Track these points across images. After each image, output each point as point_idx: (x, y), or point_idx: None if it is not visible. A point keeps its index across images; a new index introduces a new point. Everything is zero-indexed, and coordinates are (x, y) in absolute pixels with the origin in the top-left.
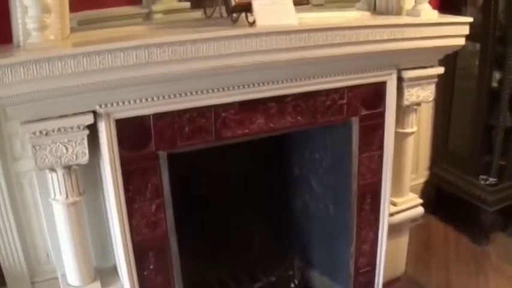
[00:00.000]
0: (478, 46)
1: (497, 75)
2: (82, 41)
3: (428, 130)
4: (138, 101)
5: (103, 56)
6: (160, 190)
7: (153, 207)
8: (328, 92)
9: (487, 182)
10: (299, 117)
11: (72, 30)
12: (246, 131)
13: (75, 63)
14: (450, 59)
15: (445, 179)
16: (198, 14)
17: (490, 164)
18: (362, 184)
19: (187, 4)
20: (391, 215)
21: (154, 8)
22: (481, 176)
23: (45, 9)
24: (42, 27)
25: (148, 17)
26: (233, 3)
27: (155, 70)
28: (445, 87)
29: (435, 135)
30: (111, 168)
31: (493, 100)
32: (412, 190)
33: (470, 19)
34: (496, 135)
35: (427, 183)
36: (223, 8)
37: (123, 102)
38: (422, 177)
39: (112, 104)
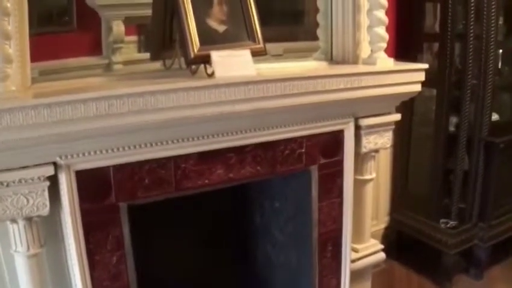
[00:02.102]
0: (434, 91)
1: (454, 119)
2: (43, 91)
3: (388, 176)
4: (98, 152)
5: (63, 108)
6: (121, 242)
7: (114, 259)
8: (286, 142)
9: (448, 225)
10: (258, 167)
11: (34, 80)
12: (206, 181)
13: (35, 114)
14: (407, 105)
15: (406, 224)
16: (158, 65)
17: (449, 208)
18: (323, 232)
19: (147, 55)
20: (353, 261)
21: (114, 58)
22: (441, 220)
23: (7, 60)
24: (4, 77)
25: (108, 67)
26: (192, 55)
27: (115, 121)
28: (403, 133)
29: (394, 181)
30: (72, 219)
31: (451, 144)
32: (373, 236)
33: (426, 65)
34: (454, 178)
35: (387, 229)
36: (182, 60)
37: (83, 154)
38: (382, 222)
39: (72, 156)
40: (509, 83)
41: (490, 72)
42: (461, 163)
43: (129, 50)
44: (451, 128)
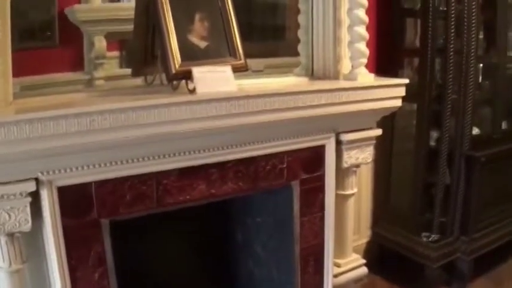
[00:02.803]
0: (415, 106)
1: (434, 134)
2: (25, 107)
3: (369, 190)
4: (80, 168)
5: (45, 123)
6: (103, 258)
7: (96, 275)
8: (268, 157)
9: (430, 239)
10: (240, 183)
11: (15, 95)
12: (188, 197)
13: (17, 129)
14: (388, 120)
15: (388, 238)
16: (139, 81)
17: (431, 221)
18: (305, 247)
19: (129, 71)
20: (335, 276)
21: (96, 74)
22: (423, 233)
23: None
24: None
25: (89, 83)
26: (173, 70)
27: (97, 137)
28: (384, 148)
29: (376, 195)
30: (54, 236)
31: (432, 158)
32: (355, 250)
33: (406, 81)
34: (436, 192)
35: (369, 243)
36: (164, 76)
37: (65, 170)
38: (364, 237)
39: (54, 171)
40: (489, 97)
41: (471, 87)
42: (443, 177)
43: (111, 65)
44: (432, 143)
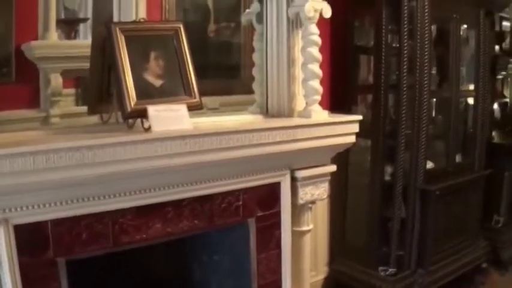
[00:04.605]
0: (369, 142)
1: (389, 168)
2: None
3: (325, 226)
4: (36, 206)
5: (1, 161)
6: None
7: None
8: (224, 195)
9: (387, 273)
10: (196, 221)
11: None
12: (144, 236)
13: None
14: (342, 155)
15: (345, 273)
16: (95, 118)
17: (388, 255)
18: (262, 284)
19: (85, 108)
20: None
21: (52, 111)
22: (381, 267)
23: None
24: None
25: (45, 121)
26: (129, 109)
27: (52, 175)
28: (339, 184)
29: (332, 231)
30: (11, 274)
31: (387, 193)
32: (313, 287)
33: (360, 117)
34: (392, 226)
35: (327, 279)
36: (119, 114)
37: (21, 208)
38: (322, 273)
39: (10, 209)
40: (443, 131)
41: (424, 121)
42: (398, 211)
43: (67, 103)
44: (387, 177)
